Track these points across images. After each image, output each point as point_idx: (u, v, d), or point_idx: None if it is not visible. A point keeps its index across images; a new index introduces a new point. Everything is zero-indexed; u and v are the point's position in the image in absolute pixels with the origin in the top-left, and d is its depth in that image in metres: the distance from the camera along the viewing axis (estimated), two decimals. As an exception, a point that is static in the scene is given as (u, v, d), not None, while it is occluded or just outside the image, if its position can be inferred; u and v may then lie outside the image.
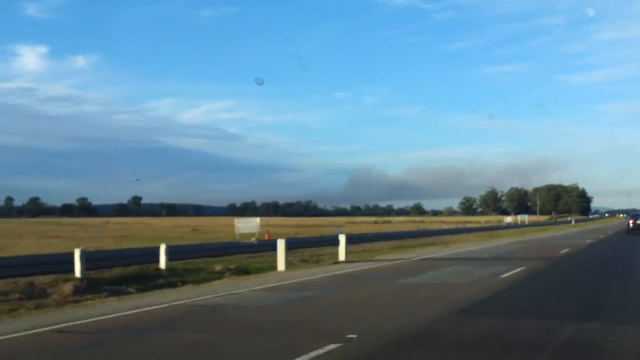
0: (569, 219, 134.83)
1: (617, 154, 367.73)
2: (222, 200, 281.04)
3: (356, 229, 64.85)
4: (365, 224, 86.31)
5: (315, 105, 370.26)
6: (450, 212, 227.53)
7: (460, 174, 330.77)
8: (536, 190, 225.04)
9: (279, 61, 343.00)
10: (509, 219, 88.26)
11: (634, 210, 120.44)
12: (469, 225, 76.78)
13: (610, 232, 53.24)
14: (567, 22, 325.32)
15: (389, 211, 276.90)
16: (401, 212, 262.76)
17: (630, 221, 50.80)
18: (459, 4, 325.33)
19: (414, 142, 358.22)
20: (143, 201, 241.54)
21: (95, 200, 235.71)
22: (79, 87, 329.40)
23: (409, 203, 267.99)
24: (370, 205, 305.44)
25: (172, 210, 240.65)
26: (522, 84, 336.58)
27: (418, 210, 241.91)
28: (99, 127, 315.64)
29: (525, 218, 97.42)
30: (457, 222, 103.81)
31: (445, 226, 69.96)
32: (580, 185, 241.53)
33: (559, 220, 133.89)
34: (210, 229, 64.14)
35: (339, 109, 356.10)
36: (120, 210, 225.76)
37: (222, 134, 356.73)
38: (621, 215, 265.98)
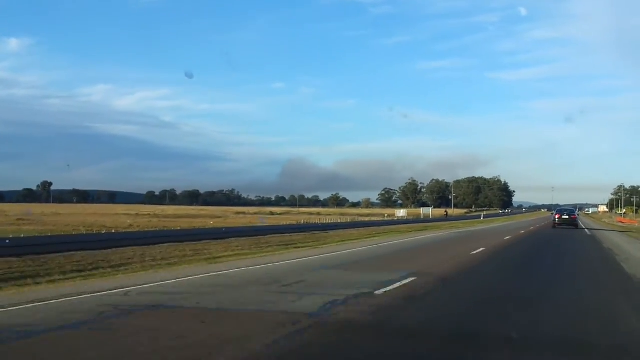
0: (478, 213, 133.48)
1: (543, 151, 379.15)
2: (144, 188, 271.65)
3: (248, 222, 60.12)
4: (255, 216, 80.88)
5: (251, 95, 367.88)
6: (368, 204, 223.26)
7: (391, 167, 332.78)
8: (457, 182, 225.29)
9: (217, 50, 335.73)
10: (401, 213, 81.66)
11: (558, 205, 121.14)
12: (372, 219, 72.97)
13: (522, 231, 42.69)
14: (500, 20, 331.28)
15: (314, 202, 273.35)
16: (327, 203, 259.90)
17: (556, 216, 51.76)
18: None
19: (348, 134, 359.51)
20: (53, 187, 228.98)
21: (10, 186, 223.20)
22: (11, 70, 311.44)
23: (340, 194, 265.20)
24: (296, 196, 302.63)
25: (84, 197, 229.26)
26: (456, 80, 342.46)
27: (336, 202, 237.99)
28: (30, 111, 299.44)
29: (404, 213, 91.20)
30: (358, 214, 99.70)
31: (342, 219, 65.35)
32: (503, 179, 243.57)
33: (469, 214, 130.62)
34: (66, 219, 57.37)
35: (275, 99, 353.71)
36: (27, 196, 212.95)
37: (156, 122, 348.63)
38: (543, 210, 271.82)
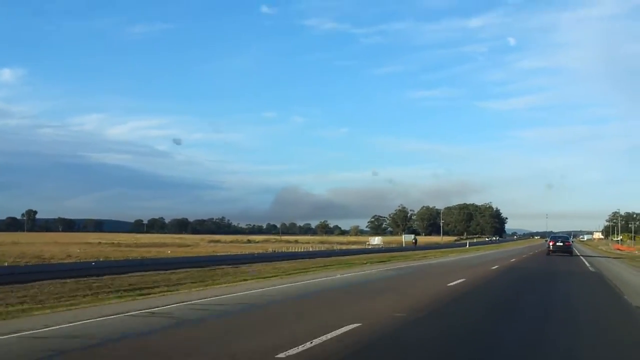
0: (465, 241, 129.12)
1: (535, 179, 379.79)
2: (135, 217, 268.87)
3: (211, 251, 57.02)
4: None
5: (244, 124, 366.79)
6: (357, 232, 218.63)
7: (383, 194, 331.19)
8: (448, 209, 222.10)
9: (211, 79, 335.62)
10: (375, 240, 75.61)
11: (551, 232, 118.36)
12: (352, 247, 69.67)
13: (513, 259, 40.27)
14: (489, 51, 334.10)
15: (305, 230, 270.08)
16: (316, 231, 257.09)
17: (550, 243, 51.56)
18: (387, 30, 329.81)
19: (340, 162, 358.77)
20: (44, 216, 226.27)
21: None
22: (4, 100, 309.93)
23: (334, 222, 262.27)
24: (287, 224, 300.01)
25: (69, 225, 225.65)
26: (446, 109, 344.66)
27: (325, 229, 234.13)
28: (21, 141, 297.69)
29: (378, 241, 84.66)
30: (339, 242, 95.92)
31: (319, 247, 61.43)
32: (495, 206, 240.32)
33: (458, 242, 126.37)
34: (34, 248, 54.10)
35: (268, 128, 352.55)
36: (10, 224, 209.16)
37: (150, 151, 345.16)
38: (536, 237, 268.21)
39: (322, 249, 60.88)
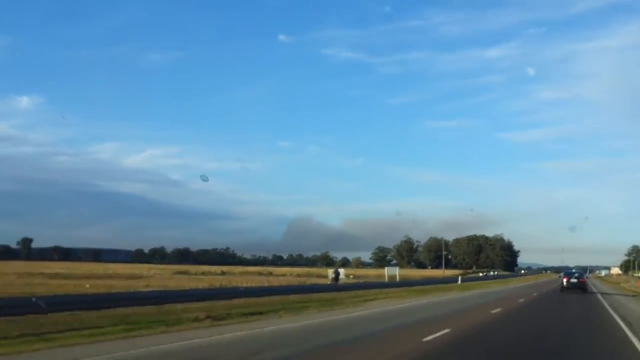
0: (474, 275, 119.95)
1: (553, 212, 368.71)
2: (143, 246, 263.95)
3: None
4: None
5: (259, 153, 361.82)
6: (359, 264, 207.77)
7: (398, 225, 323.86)
8: (456, 240, 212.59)
9: (225, 108, 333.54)
10: (339, 273, 57.44)
11: (567, 267, 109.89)
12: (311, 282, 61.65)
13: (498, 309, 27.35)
14: (508, 81, 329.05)
15: (313, 262, 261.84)
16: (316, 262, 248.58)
17: (564, 279, 50.50)
18: (405, 60, 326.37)
19: (355, 193, 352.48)
20: (34, 244, 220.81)
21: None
22: (21, 127, 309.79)
23: (346, 254, 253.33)
24: (294, 255, 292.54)
25: (65, 254, 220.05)
26: (464, 140, 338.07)
27: (325, 260, 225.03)
28: (37, 168, 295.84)
29: (342, 274, 65.91)
30: (303, 274, 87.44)
31: (252, 283, 52.10)
32: (507, 237, 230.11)
33: (465, 276, 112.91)
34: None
35: (282, 157, 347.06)
36: (5, 253, 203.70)
37: (164, 180, 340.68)
38: (548, 272, 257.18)
39: (280, 284, 53.34)
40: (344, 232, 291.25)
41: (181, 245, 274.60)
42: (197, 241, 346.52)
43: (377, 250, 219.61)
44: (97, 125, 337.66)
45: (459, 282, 78.05)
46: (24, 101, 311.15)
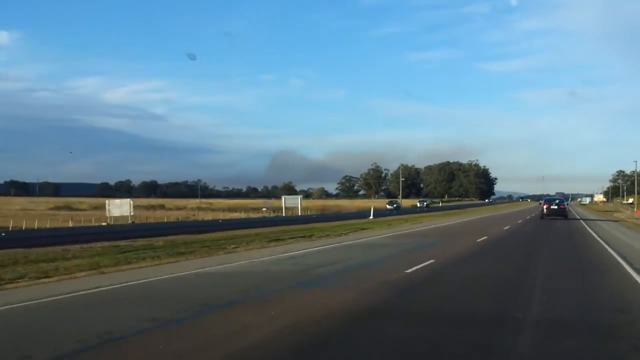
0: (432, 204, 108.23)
1: (534, 141, 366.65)
2: (95, 179, 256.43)
3: None
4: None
5: (241, 86, 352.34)
6: (321, 195, 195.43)
7: (380, 157, 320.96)
8: (428, 168, 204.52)
9: (207, 41, 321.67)
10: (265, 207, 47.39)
11: (548, 196, 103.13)
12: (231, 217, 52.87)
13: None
14: (490, 11, 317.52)
15: (288, 193, 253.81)
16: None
17: (544, 206, 50.78)
18: None
19: (338, 125, 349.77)
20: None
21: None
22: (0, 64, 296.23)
23: (326, 185, 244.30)
24: (269, 187, 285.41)
25: (24, 189, 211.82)
26: (444, 71, 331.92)
27: (289, 192, 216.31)
28: (17, 104, 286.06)
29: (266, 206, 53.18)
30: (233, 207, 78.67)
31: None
32: (482, 164, 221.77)
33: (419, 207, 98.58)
34: None
35: (264, 90, 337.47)
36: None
37: (146, 115, 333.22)
38: (528, 200, 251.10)
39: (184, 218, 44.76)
40: (327, 164, 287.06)
41: (149, 178, 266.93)
42: (169, 174, 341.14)
43: (343, 180, 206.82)
44: (78, 60, 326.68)
45: (371, 216, 58.08)
46: (3, 36, 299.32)
